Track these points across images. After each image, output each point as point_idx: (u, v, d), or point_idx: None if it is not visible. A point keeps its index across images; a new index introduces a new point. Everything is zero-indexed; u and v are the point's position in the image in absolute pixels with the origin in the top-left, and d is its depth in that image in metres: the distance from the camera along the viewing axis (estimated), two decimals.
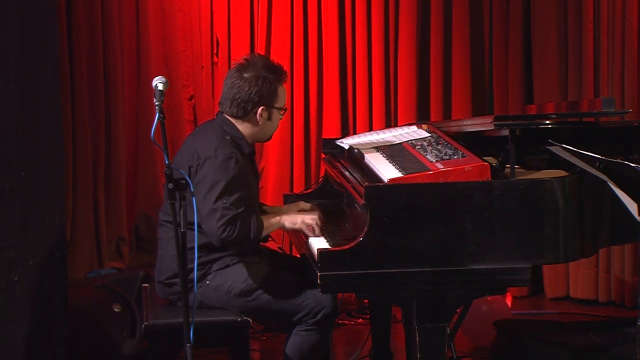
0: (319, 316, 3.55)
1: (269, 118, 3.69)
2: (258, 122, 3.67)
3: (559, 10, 5.60)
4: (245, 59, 3.72)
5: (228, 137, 3.62)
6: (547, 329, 4.64)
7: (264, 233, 3.59)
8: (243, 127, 3.69)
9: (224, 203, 3.46)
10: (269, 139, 3.86)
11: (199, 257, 3.46)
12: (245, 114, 3.66)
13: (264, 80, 3.64)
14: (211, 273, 3.58)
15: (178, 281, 3.53)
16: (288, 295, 3.57)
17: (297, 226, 3.60)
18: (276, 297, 3.57)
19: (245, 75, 3.65)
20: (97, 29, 5.35)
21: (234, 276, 3.58)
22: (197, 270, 3.48)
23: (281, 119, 3.77)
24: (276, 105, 3.69)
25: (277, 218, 3.63)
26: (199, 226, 3.46)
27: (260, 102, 3.65)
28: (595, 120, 3.82)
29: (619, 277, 5.49)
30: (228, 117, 3.70)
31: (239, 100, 3.65)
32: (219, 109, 3.75)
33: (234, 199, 3.48)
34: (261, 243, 3.82)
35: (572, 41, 5.58)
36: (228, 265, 3.59)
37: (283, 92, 3.72)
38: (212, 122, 3.77)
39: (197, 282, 3.48)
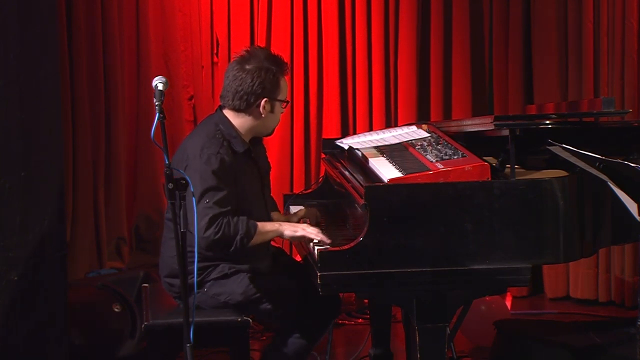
0: (311, 326, 3.57)
1: (272, 110, 3.61)
2: (261, 114, 3.59)
3: (559, 10, 5.61)
4: (246, 51, 3.64)
5: (219, 136, 3.54)
6: (547, 329, 4.63)
7: (258, 239, 3.45)
8: (243, 121, 3.61)
9: (207, 202, 3.37)
10: (270, 134, 3.76)
11: (197, 262, 3.39)
12: (248, 107, 3.58)
13: (267, 71, 3.56)
14: (209, 281, 3.53)
15: (176, 281, 3.52)
16: (285, 305, 3.56)
17: (297, 234, 3.47)
18: (273, 308, 3.55)
19: (247, 67, 3.57)
20: (97, 29, 5.36)
21: (232, 287, 3.52)
22: (196, 274, 3.42)
23: (282, 112, 3.69)
24: (279, 98, 3.62)
25: (276, 225, 3.52)
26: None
27: (263, 94, 3.57)
28: (595, 120, 3.81)
29: (619, 277, 5.49)
30: (228, 111, 3.62)
31: (242, 92, 3.57)
32: (219, 104, 3.69)
33: (218, 198, 3.39)
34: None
35: (572, 41, 5.59)
36: (226, 275, 3.52)
37: (285, 84, 3.65)
38: (209, 119, 3.69)
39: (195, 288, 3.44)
